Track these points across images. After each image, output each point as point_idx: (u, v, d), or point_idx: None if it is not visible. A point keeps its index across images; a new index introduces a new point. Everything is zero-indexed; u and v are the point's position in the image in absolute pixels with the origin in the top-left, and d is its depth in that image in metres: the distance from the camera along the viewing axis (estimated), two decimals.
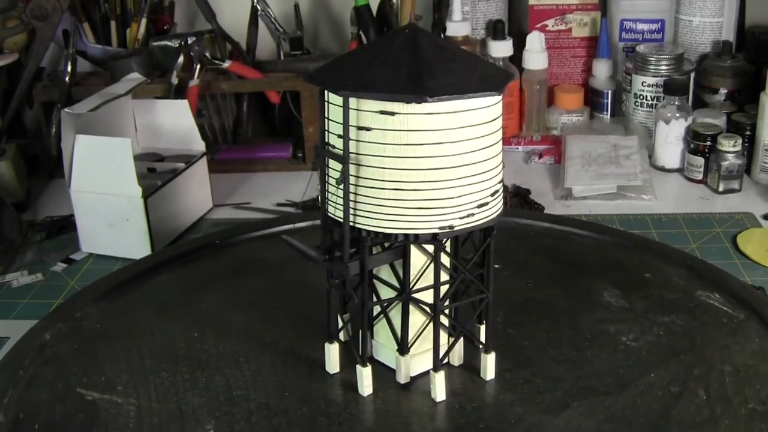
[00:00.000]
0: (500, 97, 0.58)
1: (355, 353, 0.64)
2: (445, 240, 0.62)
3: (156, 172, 1.06)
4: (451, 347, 0.65)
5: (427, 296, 0.62)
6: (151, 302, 0.78)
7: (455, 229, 0.58)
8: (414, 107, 0.55)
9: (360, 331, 0.64)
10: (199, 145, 1.09)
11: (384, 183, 0.57)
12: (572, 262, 0.83)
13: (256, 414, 0.62)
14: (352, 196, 0.58)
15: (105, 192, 0.95)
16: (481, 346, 0.66)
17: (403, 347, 0.64)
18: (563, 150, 1.19)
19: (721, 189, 1.11)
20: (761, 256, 0.94)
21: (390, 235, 0.59)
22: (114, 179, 0.95)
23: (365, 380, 0.64)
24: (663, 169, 1.18)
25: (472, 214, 0.58)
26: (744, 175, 1.11)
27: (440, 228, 0.58)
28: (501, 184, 0.61)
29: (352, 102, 0.56)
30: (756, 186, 1.13)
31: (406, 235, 0.58)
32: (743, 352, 0.68)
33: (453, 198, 0.57)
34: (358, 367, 0.64)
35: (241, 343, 0.71)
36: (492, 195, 0.59)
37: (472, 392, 0.65)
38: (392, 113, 0.55)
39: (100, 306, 0.77)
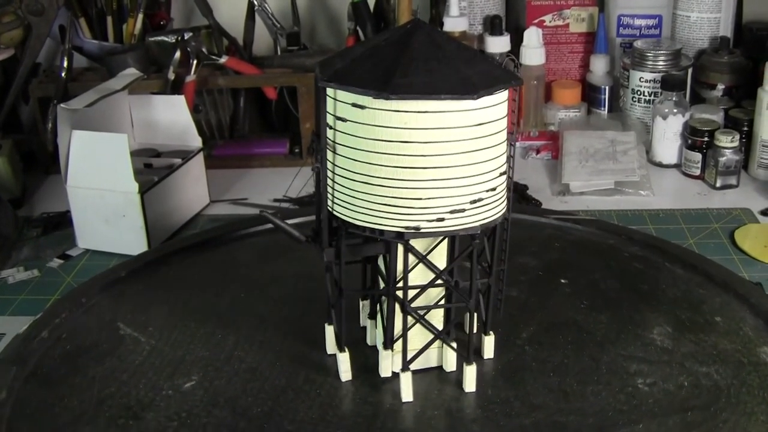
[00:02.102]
0: (482, 102, 0.56)
1: (339, 339, 0.66)
2: (440, 240, 0.62)
3: (152, 167, 1.06)
4: (423, 350, 0.64)
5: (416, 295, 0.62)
6: (224, 263, 0.84)
7: (421, 231, 0.58)
8: (382, 103, 0.55)
9: (335, 317, 0.66)
10: (196, 141, 1.08)
11: (355, 175, 0.58)
12: (647, 291, 0.78)
13: (240, 375, 0.67)
14: (331, 184, 0.59)
15: (101, 188, 0.95)
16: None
17: (387, 341, 0.64)
18: (561, 145, 1.19)
19: (718, 185, 1.10)
20: (759, 252, 0.94)
21: (359, 227, 0.59)
22: (110, 175, 0.94)
23: (342, 365, 0.65)
24: (660, 165, 1.18)
25: (443, 219, 0.58)
26: (741, 170, 1.11)
27: (406, 228, 0.58)
28: (491, 192, 0.59)
29: (333, 93, 0.57)
30: (753, 182, 1.13)
31: (372, 230, 0.59)
32: (764, 425, 0.61)
33: (420, 199, 0.57)
34: (337, 352, 0.65)
35: (274, 313, 0.75)
36: (472, 203, 0.58)
37: (443, 400, 0.64)
38: (362, 107, 0.56)
39: (183, 256, 0.85)
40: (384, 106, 0.55)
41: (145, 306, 0.76)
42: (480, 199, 0.58)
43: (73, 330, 0.73)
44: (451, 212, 0.57)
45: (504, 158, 0.60)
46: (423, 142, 0.55)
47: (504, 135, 0.59)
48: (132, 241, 0.96)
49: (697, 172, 1.13)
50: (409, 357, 0.63)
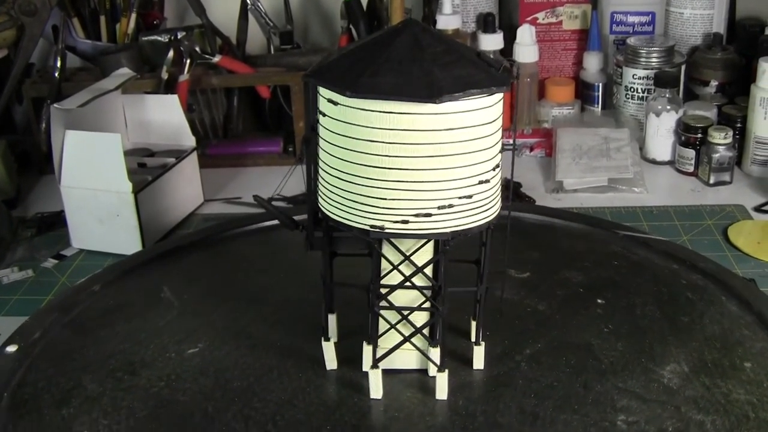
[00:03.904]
0: (451, 107, 0.55)
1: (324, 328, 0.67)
2: (425, 241, 0.61)
3: (146, 167, 1.06)
4: (392, 350, 0.64)
5: (397, 295, 0.62)
6: (282, 243, 0.87)
7: (385, 231, 0.58)
8: (351, 101, 0.55)
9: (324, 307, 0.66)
10: (190, 140, 1.08)
11: (330, 169, 0.59)
12: (684, 324, 0.72)
13: (240, 350, 0.70)
14: (314, 176, 0.61)
15: (95, 188, 0.95)
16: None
17: (370, 337, 0.64)
18: (554, 143, 1.19)
19: (712, 181, 1.11)
20: (752, 248, 0.94)
21: (334, 220, 0.60)
22: (104, 175, 0.94)
23: (326, 354, 0.67)
24: (654, 162, 1.18)
25: (407, 221, 0.57)
26: (735, 167, 1.11)
27: (371, 226, 0.58)
28: (466, 200, 0.57)
29: (319, 88, 0.58)
30: (747, 178, 1.13)
31: (343, 224, 0.59)
32: None
33: (385, 199, 0.57)
34: (322, 340, 0.67)
35: (302, 296, 0.77)
36: (440, 208, 0.57)
37: (410, 403, 0.63)
38: (336, 103, 0.56)
39: (240, 239, 0.89)
40: (352, 103, 0.55)
41: (192, 278, 0.82)
42: (450, 206, 0.57)
43: (122, 287, 0.80)
44: (416, 215, 0.57)
45: (487, 165, 0.58)
46: (387, 143, 0.55)
47: (488, 141, 0.57)
48: (126, 241, 0.96)
49: (691, 169, 1.13)
50: (387, 357, 0.64)
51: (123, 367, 0.69)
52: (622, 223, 0.91)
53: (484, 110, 0.57)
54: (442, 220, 0.58)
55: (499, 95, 0.57)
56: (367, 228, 0.58)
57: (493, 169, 0.59)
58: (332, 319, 0.68)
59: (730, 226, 1.00)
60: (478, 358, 0.67)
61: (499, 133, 0.59)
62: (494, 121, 0.58)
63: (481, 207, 0.59)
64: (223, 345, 0.71)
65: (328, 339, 0.66)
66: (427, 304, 0.63)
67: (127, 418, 0.63)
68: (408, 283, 0.62)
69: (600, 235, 0.88)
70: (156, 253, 0.86)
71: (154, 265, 0.84)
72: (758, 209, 1.05)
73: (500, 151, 0.60)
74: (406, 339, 0.63)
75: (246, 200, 1.12)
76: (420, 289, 0.62)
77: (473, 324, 0.68)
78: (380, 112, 0.55)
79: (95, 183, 0.95)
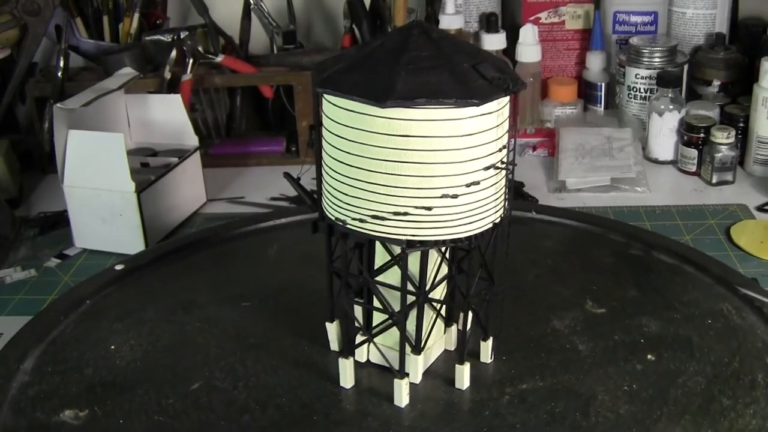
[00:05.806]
0: (407, 113, 0.53)
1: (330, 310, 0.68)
2: (417, 245, 0.59)
3: (149, 167, 1.06)
4: (359, 344, 0.64)
5: (386, 293, 0.62)
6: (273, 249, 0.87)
7: (347, 226, 0.58)
8: (327, 95, 0.56)
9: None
10: (193, 140, 1.08)
11: (321, 158, 0.60)
12: (719, 410, 0.60)
13: (277, 314, 0.72)
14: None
15: (98, 187, 0.95)
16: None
17: (365, 327, 0.65)
18: (557, 142, 1.19)
19: (714, 181, 1.11)
20: (755, 248, 0.94)
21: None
22: (107, 174, 0.95)
23: (330, 335, 0.68)
24: (656, 161, 1.18)
25: (364, 221, 0.57)
26: (737, 166, 1.12)
27: (336, 219, 0.59)
28: (425, 210, 0.56)
29: None
30: (749, 178, 1.13)
31: (323, 212, 0.61)
32: None
33: (346, 195, 0.57)
34: (327, 321, 0.67)
35: (316, 289, 0.76)
36: (395, 214, 0.56)
37: (367, 402, 0.62)
38: (321, 94, 0.57)
39: (251, 239, 0.89)
40: (329, 98, 0.56)
41: (289, 248, 0.85)
42: (406, 213, 0.56)
43: (149, 275, 0.81)
44: (372, 217, 0.57)
45: (454, 180, 0.55)
46: (348, 140, 0.56)
47: (455, 155, 0.55)
48: (129, 241, 0.96)
49: (693, 169, 1.13)
50: (368, 351, 0.65)
51: (183, 303, 0.74)
52: (713, 257, 0.81)
53: (450, 122, 0.54)
54: (397, 227, 0.57)
55: (472, 110, 0.54)
56: (333, 219, 0.59)
57: (467, 186, 0.56)
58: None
59: (733, 225, 1.00)
60: (460, 377, 0.64)
61: (482, 150, 0.56)
62: (467, 135, 0.55)
63: (445, 221, 0.57)
64: (267, 305, 0.74)
65: (332, 320, 0.67)
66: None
67: (149, 343, 0.69)
68: (391, 282, 0.61)
69: (721, 287, 0.76)
70: (159, 252, 0.85)
71: (250, 234, 0.88)
72: (761, 209, 1.05)
73: (487, 168, 0.57)
74: (370, 339, 0.64)
75: (249, 200, 1.12)
76: (375, 285, 0.61)
77: (482, 344, 0.66)
78: (344, 109, 0.55)
79: (98, 182, 0.95)
